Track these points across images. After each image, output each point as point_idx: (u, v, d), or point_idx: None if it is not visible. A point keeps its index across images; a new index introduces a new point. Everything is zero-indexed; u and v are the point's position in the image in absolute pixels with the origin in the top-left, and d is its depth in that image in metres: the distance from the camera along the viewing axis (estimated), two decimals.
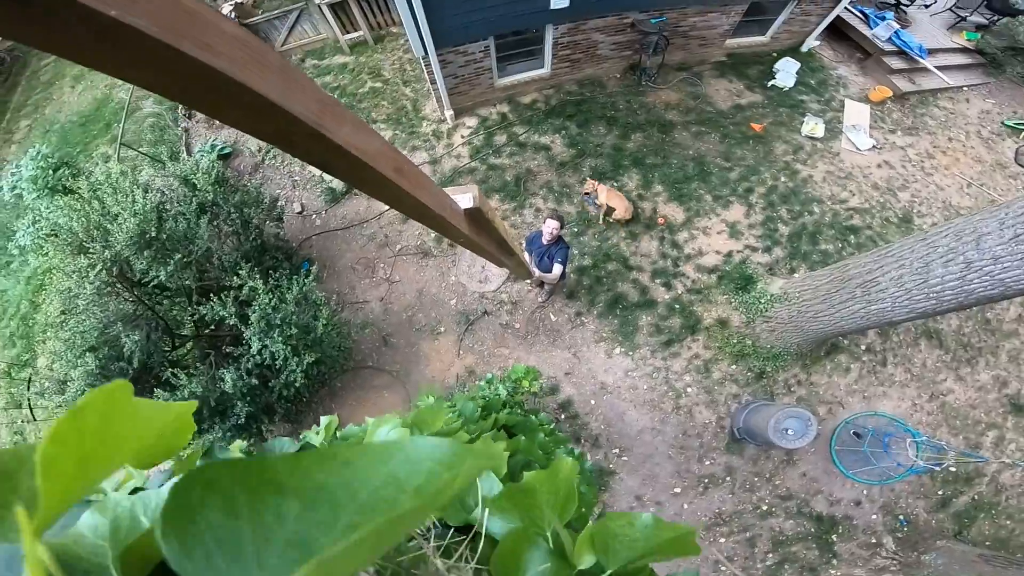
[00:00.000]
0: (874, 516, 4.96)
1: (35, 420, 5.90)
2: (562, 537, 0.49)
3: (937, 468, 4.81)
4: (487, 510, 0.53)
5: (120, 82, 8.60)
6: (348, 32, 7.99)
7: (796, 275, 5.63)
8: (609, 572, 0.48)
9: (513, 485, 0.55)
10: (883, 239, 5.98)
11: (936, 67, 7.70)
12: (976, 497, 5.04)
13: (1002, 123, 7.47)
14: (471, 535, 0.55)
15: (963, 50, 8.26)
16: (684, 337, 5.48)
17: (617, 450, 5.12)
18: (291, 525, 0.20)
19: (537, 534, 0.50)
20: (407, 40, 6.88)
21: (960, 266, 3.22)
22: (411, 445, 0.23)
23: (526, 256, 4.30)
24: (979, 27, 8.49)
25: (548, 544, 0.49)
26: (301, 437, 1.41)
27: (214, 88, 0.58)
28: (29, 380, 5.87)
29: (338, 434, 1.41)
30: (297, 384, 4.16)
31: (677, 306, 5.62)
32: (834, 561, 4.79)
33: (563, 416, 5.26)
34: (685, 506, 4.93)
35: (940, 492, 5.06)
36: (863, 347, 5.41)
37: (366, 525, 0.20)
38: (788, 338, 5.08)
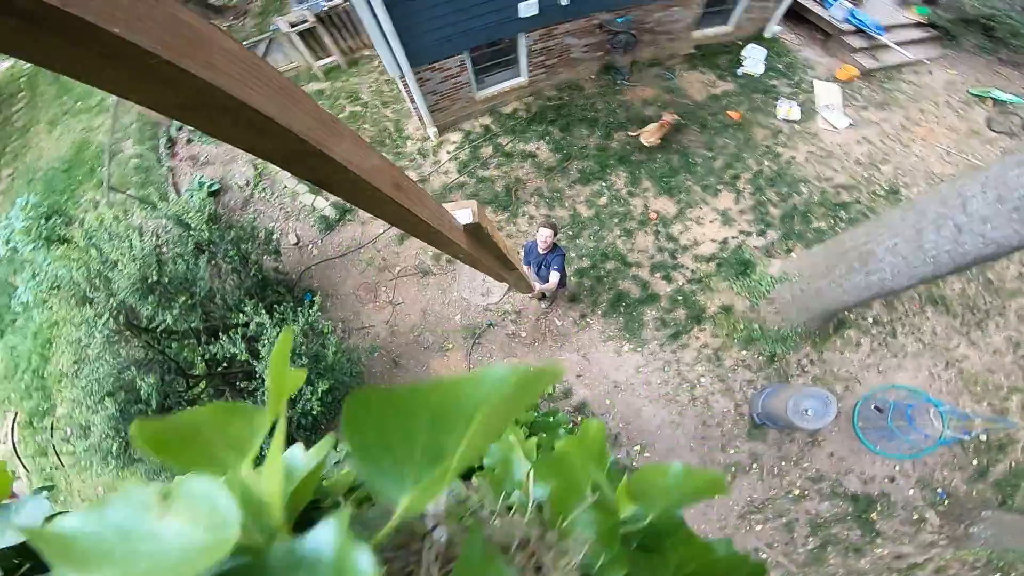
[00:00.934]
0: (911, 491, 4.93)
1: (63, 466, 5.93)
2: (603, 488, 0.53)
3: (967, 437, 4.82)
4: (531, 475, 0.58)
5: (97, 124, 8.50)
6: (320, 58, 8.00)
7: (793, 254, 5.71)
8: (649, 519, 0.53)
9: (547, 455, 0.59)
10: (873, 212, 6.10)
11: (895, 43, 7.95)
12: (1014, 464, 5.01)
13: (967, 92, 7.72)
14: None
15: (917, 24, 8.53)
16: (691, 328, 5.50)
17: (638, 447, 5.09)
18: (424, 436, 0.27)
19: (580, 489, 0.54)
20: (381, 61, 6.93)
21: (952, 230, 3.32)
22: (491, 372, 0.28)
23: (525, 269, 4.28)
24: (927, 1, 8.79)
25: (590, 493, 0.54)
26: (339, 448, 1.42)
27: (215, 106, 0.59)
28: (52, 428, 5.97)
29: None
30: (314, 412, 4.11)
31: (680, 297, 5.65)
32: (878, 540, 4.75)
33: (580, 419, 5.22)
34: (715, 497, 4.89)
35: (975, 462, 5.02)
36: (870, 319, 5.47)
37: (474, 422, 0.27)
38: (794, 317, 5.13)
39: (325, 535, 0.23)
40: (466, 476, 0.89)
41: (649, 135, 6.45)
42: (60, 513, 0.59)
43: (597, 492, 0.54)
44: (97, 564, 0.22)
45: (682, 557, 0.54)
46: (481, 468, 0.89)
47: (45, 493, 0.57)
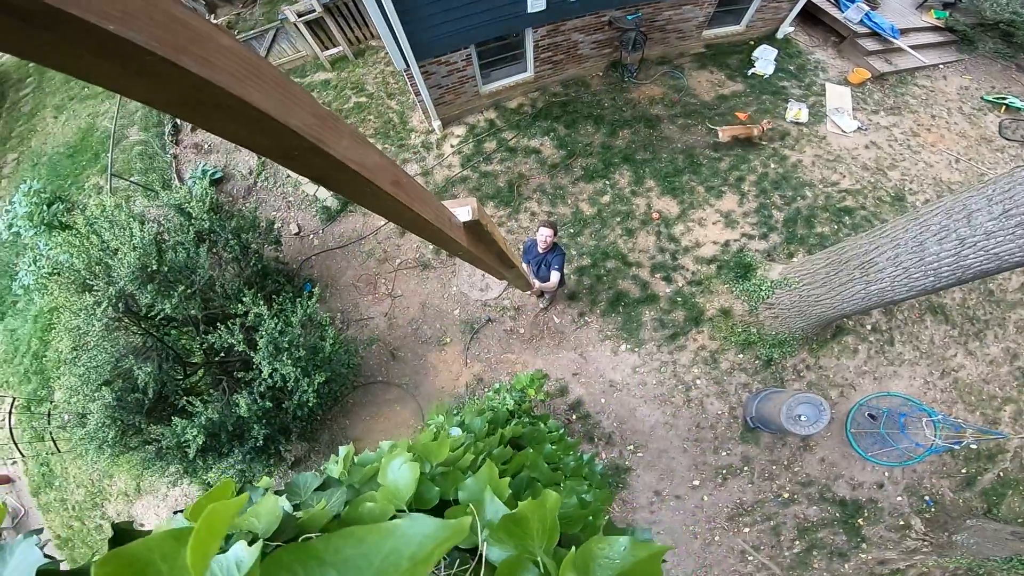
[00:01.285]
0: (899, 498, 4.97)
1: (59, 452, 5.99)
2: (547, 565, 0.56)
3: (957, 447, 4.82)
4: (486, 541, 0.62)
5: (103, 110, 8.53)
6: (327, 48, 7.97)
7: (794, 260, 5.68)
8: None
9: (508, 515, 0.62)
10: (878, 218, 6.05)
11: (910, 47, 7.82)
12: (1001, 474, 5.05)
13: (981, 98, 7.60)
14: (476, 562, 0.63)
15: (934, 28, 8.39)
16: (689, 329, 5.50)
17: (632, 447, 5.12)
18: None
19: (529, 559, 0.57)
20: (388, 53, 6.89)
21: (954, 243, 3.29)
22: (405, 525, 0.32)
23: (524, 267, 4.28)
24: (946, 5, 8.62)
25: (539, 569, 0.57)
26: (323, 469, 1.45)
27: (213, 103, 0.58)
28: (49, 414, 6.04)
29: (355, 460, 1.44)
30: (310, 404, 4.16)
31: (679, 299, 5.65)
32: (863, 545, 4.79)
33: (574, 417, 5.26)
34: (704, 498, 4.93)
35: (964, 471, 5.06)
36: (868, 327, 5.45)
37: None
38: (792, 323, 5.11)
39: None
40: (440, 509, 0.91)
41: (733, 132, 6.49)
42: (50, 560, 0.58)
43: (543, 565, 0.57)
44: None
45: None
46: (456, 502, 0.92)
47: (36, 539, 0.56)
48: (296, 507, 0.82)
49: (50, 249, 4.39)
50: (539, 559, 0.57)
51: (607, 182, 6.44)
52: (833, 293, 4.44)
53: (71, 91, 9.33)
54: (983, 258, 3.18)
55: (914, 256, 3.59)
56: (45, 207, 6.04)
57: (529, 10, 5.88)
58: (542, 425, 2.76)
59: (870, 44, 7.79)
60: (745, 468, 5.01)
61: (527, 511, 0.61)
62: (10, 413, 6.42)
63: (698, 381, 5.29)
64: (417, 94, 6.41)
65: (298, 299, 4.42)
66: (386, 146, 6.99)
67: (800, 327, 5.10)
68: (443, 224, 1.65)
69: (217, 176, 6.85)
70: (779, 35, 8.04)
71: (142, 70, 0.49)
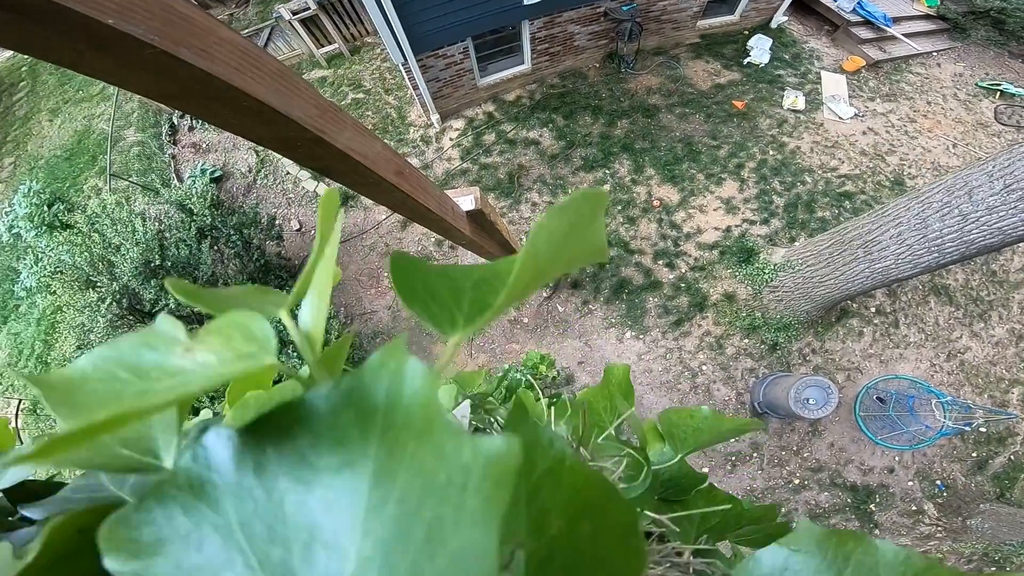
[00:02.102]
0: (910, 483, 4.96)
1: None
2: (631, 422, 0.55)
3: (967, 428, 4.81)
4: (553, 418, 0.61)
5: (99, 112, 8.47)
6: (323, 46, 7.94)
7: (797, 243, 5.68)
8: (680, 457, 0.55)
9: (566, 402, 0.62)
10: (878, 202, 6.07)
11: (903, 35, 7.88)
12: (1013, 457, 5.04)
13: (976, 84, 7.66)
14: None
15: (926, 16, 8.46)
16: (693, 315, 5.50)
17: None
18: (469, 293, 0.28)
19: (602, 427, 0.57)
20: (384, 49, 6.88)
21: (957, 219, 3.31)
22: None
23: None
24: None
25: (614, 435, 0.56)
26: None
27: (214, 95, 0.59)
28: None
29: None
30: None
31: (683, 285, 5.65)
32: (876, 531, 4.77)
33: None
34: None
35: (974, 454, 5.05)
36: (873, 309, 5.46)
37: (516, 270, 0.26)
38: (797, 306, 5.11)
39: (378, 356, 0.19)
40: None
41: None
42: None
43: (622, 419, 0.55)
44: (104, 405, 0.19)
45: (706, 509, 0.57)
46: None
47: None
48: None
49: (52, 249, 4.37)
50: (612, 429, 0.56)
51: (607, 171, 6.44)
52: (837, 273, 4.45)
53: (65, 94, 9.26)
54: (986, 233, 3.20)
55: (917, 233, 3.60)
56: (45, 208, 5.99)
57: (525, 2, 5.89)
58: (553, 403, 2.75)
59: (863, 32, 7.84)
60: (754, 454, 5.00)
61: (588, 396, 0.59)
62: (16, 415, 6.36)
63: (704, 367, 5.28)
64: (415, 88, 6.40)
65: None
66: (386, 142, 6.95)
67: (805, 310, 5.10)
68: (447, 214, 1.65)
69: (216, 175, 6.81)
70: (773, 24, 8.08)
71: (142, 63, 0.49)
